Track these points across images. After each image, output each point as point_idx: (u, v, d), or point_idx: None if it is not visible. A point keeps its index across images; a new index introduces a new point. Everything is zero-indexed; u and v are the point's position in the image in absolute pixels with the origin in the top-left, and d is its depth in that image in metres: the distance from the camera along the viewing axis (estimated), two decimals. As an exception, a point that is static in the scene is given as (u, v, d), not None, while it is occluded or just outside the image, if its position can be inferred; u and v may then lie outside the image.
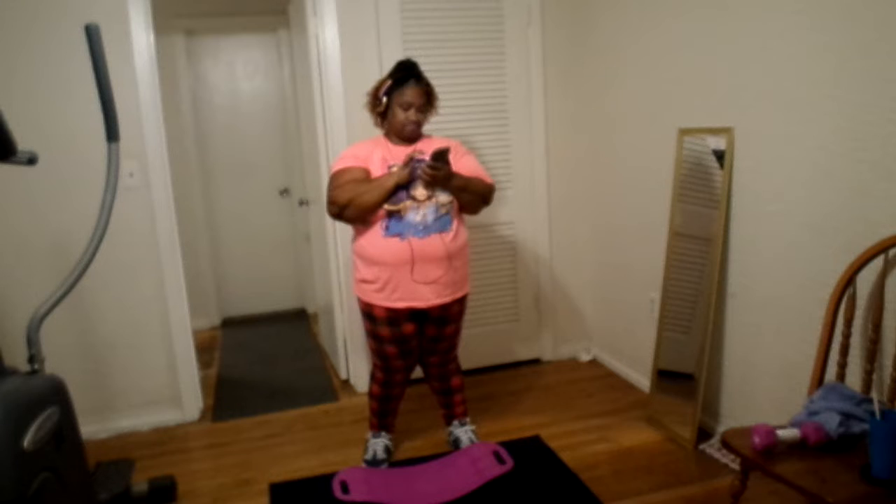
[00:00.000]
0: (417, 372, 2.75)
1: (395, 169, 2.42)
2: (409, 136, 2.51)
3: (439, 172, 2.33)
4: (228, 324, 4.89)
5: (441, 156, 2.31)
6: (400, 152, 2.49)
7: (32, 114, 2.78)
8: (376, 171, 2.44)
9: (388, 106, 2.49)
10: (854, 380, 2.00)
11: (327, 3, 3.12)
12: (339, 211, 2.42)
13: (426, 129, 2.60)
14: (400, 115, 2.46)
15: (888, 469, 1.56)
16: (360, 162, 2.45)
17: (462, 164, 2.47)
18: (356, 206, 2.37)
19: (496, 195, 2.70)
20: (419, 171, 2.37)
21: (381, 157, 2.47)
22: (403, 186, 2.40)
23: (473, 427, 2.77)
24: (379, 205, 2.37)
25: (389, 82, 2.48)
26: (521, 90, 3.41)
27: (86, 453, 2.03)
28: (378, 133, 2.60)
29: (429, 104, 2.52)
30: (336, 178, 2.46)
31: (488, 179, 2.56)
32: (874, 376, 1.93)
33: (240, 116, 4.79)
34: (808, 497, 1.58)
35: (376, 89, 2.52)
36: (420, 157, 2.43)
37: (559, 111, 3.50)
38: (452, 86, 3.15)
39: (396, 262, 2.41)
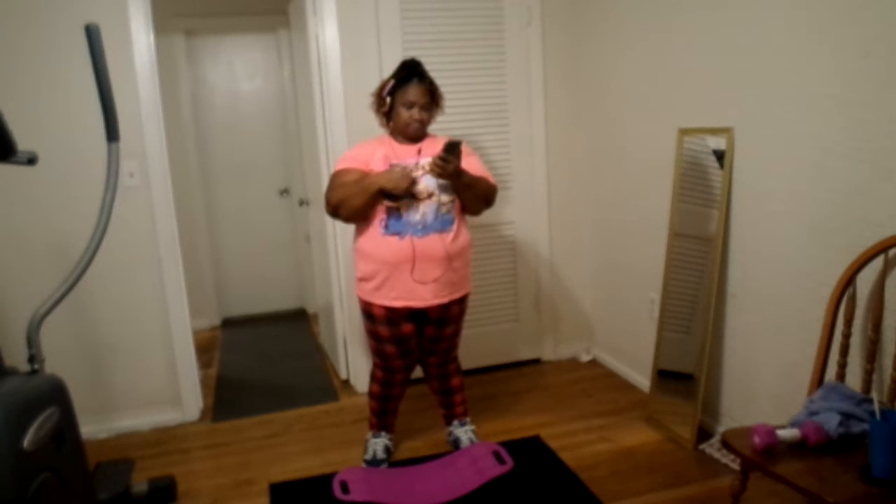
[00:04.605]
0: (417, 372, 2.75)
1: (397, 168, 2.42)
2: (414, 135, 2.50)
3: (449, 165, 2.32)
4: (228, 324, 4.88)
5: (453, 148, 2.30)
6: (404, 151, 2.49)
7: (32, 114, 2.78)
8: (377, 169, 2.43)
9: (391, 105, 2.49)
10: (854, 380, 2.00)
11: (327, 3, 3.11)
12: (333, 211, 2.46)
13: (430, 128, 2.59)
14: (404, 115, 2.46)
15: (888, 469, 1.56)
16: (360, 163, 2.45)
17: (468, 164, 2.45)
18: (347, 208, 2.41)
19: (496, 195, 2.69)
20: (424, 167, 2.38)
21: (383, 155, 2.46)
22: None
23: (473, 427, 2.77)
24: (366, 207, 2.39)
25: (392, 82, 2.48)
26: (521, 90, 3.41)
27: (86, 453, 2.03)
28: (383, 133, 2.60)
29: (433, 103, 2.51)
30: (333, 179, 2.48)
31: (492, 181, 2.55)
32: (874, 376, 1.93)
33: (240, 116, 4.79)
34: (808, 497, 1.58)
35: (380, 89, 2.52)
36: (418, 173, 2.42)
37: (559, 111, 3.49)
38: (452, 86, 3.14)
39: (396, 260, 2.41)
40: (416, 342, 2.58)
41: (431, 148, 2.50)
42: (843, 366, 1.95)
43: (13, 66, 2.76)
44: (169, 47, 4.34)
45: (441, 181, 2.40)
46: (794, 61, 2.16)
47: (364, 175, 2.41)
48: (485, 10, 3.29)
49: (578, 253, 3.64)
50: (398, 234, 2.40)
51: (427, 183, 2.40)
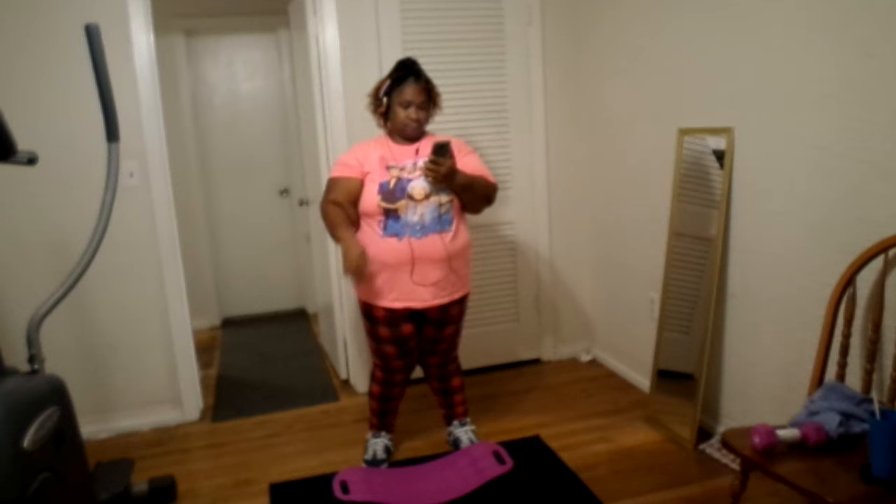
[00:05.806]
0: (417, 372, 2.75)
1: (393, 171, 2.42)
2: (412, 134, 2.50)
3: (441, 168, 2.31)
4: (228, 324, 4.89)
5: (442, 149, 2.29)
6: (401, 152, 2.49)
7: (32, 114, 2.78)
8: (374, 170, 2.43)
9: (388, 106, 2.48)
10: (854, 380, 2.00)
11: (327, 3, 3.11)
12: (322, 218, 2.52)
13: (429, 128, 2.59)
14: (400, 114, 2.46)
15: (888, 469, 1.56)
16: (352, 170, 2.45)
17: (465, 162, 2.45)
18: (327, 228, 2.50)
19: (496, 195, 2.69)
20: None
21: (379, 156, 2.46)
22: (401, 184, 2.40)
23: (473, 427, 2.77)
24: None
25: (388, 82, 2.47)
26: (521, 90, 3.41)
27: (86, 453, 2.03)
28: (381, 133, 2.60)
29: (430, 102, 2.51)
30: (327, 187, 2.51)
31: (492, 179, 2.54)
32: (874, 376, 1.93)
33: (240, 116, 4.79)
34: (808, 497, 1.58)
35: (376, 90, 2.52)
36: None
37: (559, 111, 3.49)
38: (452, 86, 3.14)
39: (395, 262, 2.41)
40: (415, 343, 2.58)
41: (429, 148, 2.49)
42: (843, 366, 1.95)
43: (13, 65, 2.76)
44: (169, 47, 4.34)
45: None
46: (794, 61, 2.16)
47: (360, 183, 2.43)
48: (485, 10, 3.29)
49: (578, 253, 3.64)
50: (396, 235, 2.40)
51: (424, 184, 2.40)
